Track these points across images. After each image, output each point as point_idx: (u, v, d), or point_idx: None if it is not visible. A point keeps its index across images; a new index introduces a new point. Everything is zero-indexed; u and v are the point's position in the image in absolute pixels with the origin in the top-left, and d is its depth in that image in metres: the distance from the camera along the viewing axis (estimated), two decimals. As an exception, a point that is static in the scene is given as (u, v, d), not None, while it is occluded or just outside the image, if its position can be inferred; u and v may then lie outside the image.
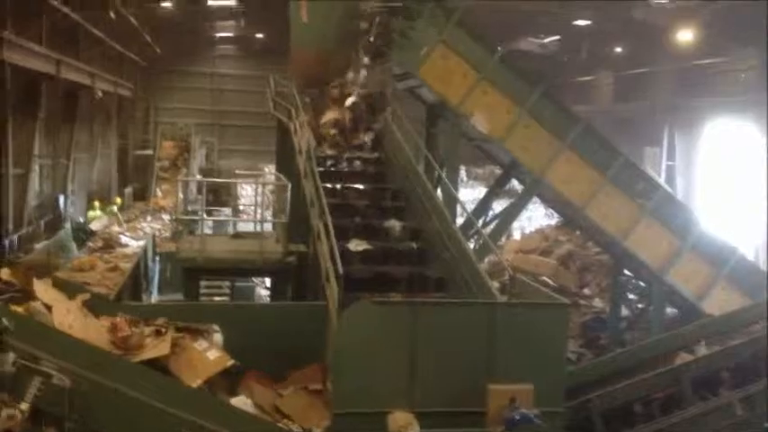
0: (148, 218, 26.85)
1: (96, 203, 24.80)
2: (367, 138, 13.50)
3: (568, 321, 9.21)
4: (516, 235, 29.42)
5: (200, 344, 8.44)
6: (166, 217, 25.74)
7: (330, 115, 13.80)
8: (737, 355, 10.58)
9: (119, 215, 25.27)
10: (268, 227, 15.08)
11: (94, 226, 23.05)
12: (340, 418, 7.40)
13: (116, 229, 23.42)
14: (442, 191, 14.56)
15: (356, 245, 10.37)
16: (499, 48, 16.08)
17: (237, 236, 14.56)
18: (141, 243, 21.25)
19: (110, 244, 20.55)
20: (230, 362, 8.40)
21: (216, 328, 8.82)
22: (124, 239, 21.59)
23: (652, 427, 9.81)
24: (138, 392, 7.11)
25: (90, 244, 20.72)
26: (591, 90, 34.53)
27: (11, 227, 19.18)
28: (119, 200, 27.74)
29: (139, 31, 29.63)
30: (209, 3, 29.53)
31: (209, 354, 8.37)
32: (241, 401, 8.15)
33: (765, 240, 20.33)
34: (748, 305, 12.93)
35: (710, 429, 10.11)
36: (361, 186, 12.54)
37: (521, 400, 7.29)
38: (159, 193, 30.68)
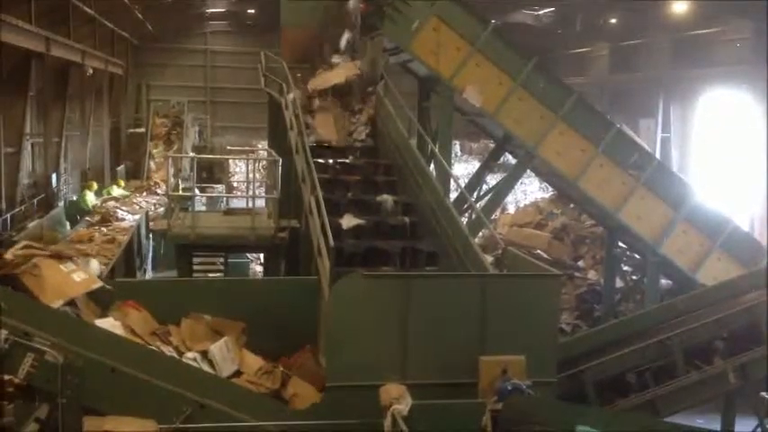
0: (144, 193, 26.97)
1: (95, 184, 24.70)
2: (363, 118, 13.34)
3: (560, 292, 9.23)
4: (511, 209, 29.43)
5: (68, 266, 8.09)
6: (161, 191, 25.74)
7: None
8: (731, 324, 10.62)
9: (119, 194, 25.27)
10: (261, 203, 15.06)
11: (91, 201, 23.03)
12: (333, 391, 7.42)
13: (112, 203, 23.59)
14: (434, 165, 14.54)
15: (348, 221, 10.33)
16: (492, 20, 15.98)
17: (229, 212, 14.54)
18: (137, 217, 21.42)
19: (106, 218, 20.76)
20: (98, 284, 8.18)
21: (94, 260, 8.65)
22: (121, 213, 21.81)
23: (645, 397, 9.88)
24: (137, 370, 7.13)
25: (87, 218, 20.90)
26: (586, 62, 34.35)
27: (3, 206, 19.15)
28: (122, 182, 27.63)
29: (131, 8, 29.37)
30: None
31: (76, 276, 8.03)
32: (108, 323, 7.89)
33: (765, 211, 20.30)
34: (742, 274, 12.97)
35: (704, 398, 10.21)
36: (353, 161, 12.47)
37: (513, 371, 7.29)
38: (153, 166, 30.73)
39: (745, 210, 21.95)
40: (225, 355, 8.19)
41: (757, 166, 22.35)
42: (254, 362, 8.37)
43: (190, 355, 8.08)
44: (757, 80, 21.83)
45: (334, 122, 12.90)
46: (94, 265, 8.71)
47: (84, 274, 8.19)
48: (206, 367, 7.96)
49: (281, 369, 8.29)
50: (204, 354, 8.11)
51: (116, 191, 25.62)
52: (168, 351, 8.05)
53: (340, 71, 13.75)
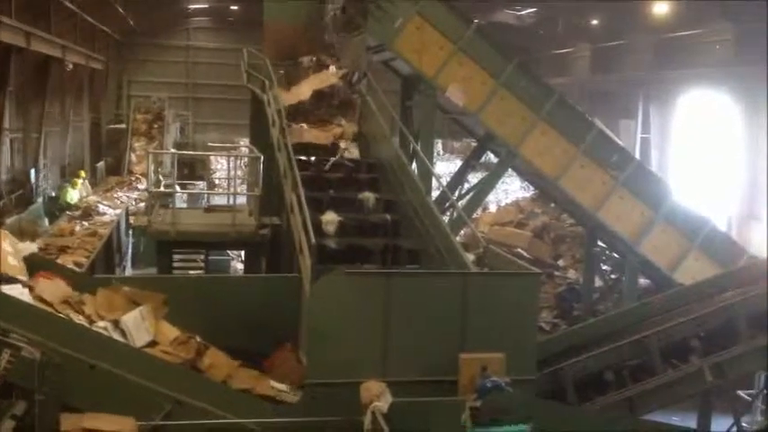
0: (124, 188, 27.04)
1: (79, 181, 24.55)
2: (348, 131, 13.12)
3: (539, 290, 9.28)
4: (492, 207, 29.52)
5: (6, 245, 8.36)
6: (142, 187, 25.68)
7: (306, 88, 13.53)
8: (708, 323, 10.72)
9: (86, 185, 25.15)
10: (243, 200, 15.02)
11: (72, 199, 22.92)
12: (313, 388, 7.43)
13: (94, 198, 23.63)
14: (416, 163, 14.56)
15: (327, 223, 10.24)
16: (475, 19, 16.03)
17: (211, 209, 14.48)
18: (118, 212, 21.46)
19: (88, 212, 20.86)
20: (24, 277, 8.28)
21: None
22: (102, 208, 21.94)
23: (623, 395, 9.95)
24: (115, 367, 7.10)
25: (68, 212, 20.93)
26: (567, 62, 34.51)
27: (-19, 202, 18.97)
28: (83, 173, 27.37)
29: (112, 3, 29.13)
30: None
31: (10, 258, 8.29)
32: (16, 290, 7.86)
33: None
34: (719, 273, 13.11)
35: (681, 396, 10.29)
36: (334, 158, 12.44)
37: (492, 369, 7.35)
38: (134, 159, 30.73)
39: (722, 210, 22.15)
40: (139, 324, 8.15)
41: (735, 166, 22.58)
42: (170, 332, 8.35)
43: (101, 324, 8.02)
44: (735, 81, 22.05)
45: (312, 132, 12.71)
46: (30, 246, 8.85)
47: (16, 262, 8.33)
48: (117, 336, 7.89)
49: (198, 339, 8.22)
50: (116, 323, 8.06)
51: (78, 184, 25.34)
52: (78, 319, 7.98)
53: (314, 81, 13.59)
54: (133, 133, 32.44)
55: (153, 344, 8.18)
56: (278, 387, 8.13)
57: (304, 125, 12.71)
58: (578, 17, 30.87)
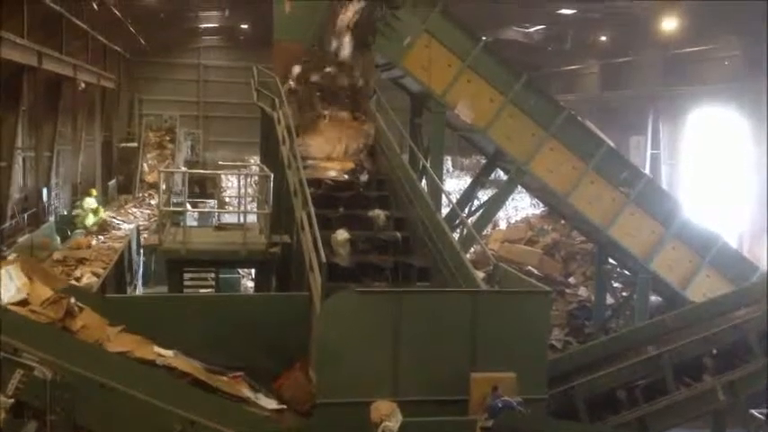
0: (138, 204, 27.56)
1: (101, 209, 24.70)
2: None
3: (550, 309, 9.26)
4: (502, 225, 29.51)
5: None
6: (154, 202, 26.00)
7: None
8: (720, 341, 10.66)
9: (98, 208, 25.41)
10: (253, 218, 15.03)
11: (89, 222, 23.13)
12: (323, 408, 7.41)
13: (109, 213, 24.05)
14: (426, 181, 14.58)
15: (338, 244, 10.20)
16: (483, 37, 16.09)
17: (221, 227, 14.49)
18: (132, 226, 21.78)
19: (103, 227, 21.23)
20: None
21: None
22: (117, 222, 22.30)
23: (635, 414, 9.89)
24: (127, 387, 7.10)
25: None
26: (576, 79, 34.57)
27: (-6, 220, 19.09)
28: (93, 191, 27.50)
29: (123, 23, 29.40)
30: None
31: None
32: None
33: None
34: (730, 291, 13.03)
35: (693, 415, 10.22)
36: (345, 177, 12.48)
37: (503, 388, 7.32)
38: (146, 168, 31.14)
39: (733, 226, 22.05)
40: (7, 283, 8.00)
41: (745, 182, 22.51)
42: (44, 293, 8.19)
43: None
44: (744, 98, 22.01)
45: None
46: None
47: None
48: None
49: (70, 300, 8.08)
50: None
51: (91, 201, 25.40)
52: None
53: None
54: (144, 147, 33.02)
55: (24, 303, 8.01)
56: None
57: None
58: (587, 34, 30.92)
